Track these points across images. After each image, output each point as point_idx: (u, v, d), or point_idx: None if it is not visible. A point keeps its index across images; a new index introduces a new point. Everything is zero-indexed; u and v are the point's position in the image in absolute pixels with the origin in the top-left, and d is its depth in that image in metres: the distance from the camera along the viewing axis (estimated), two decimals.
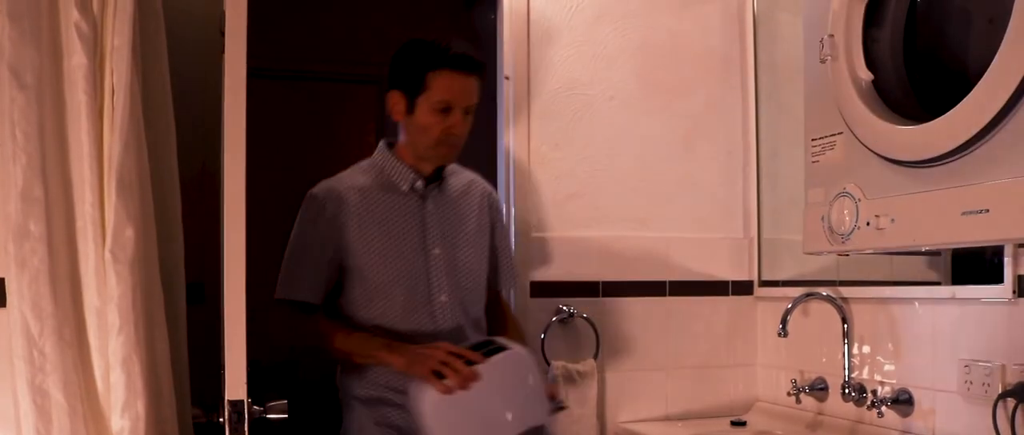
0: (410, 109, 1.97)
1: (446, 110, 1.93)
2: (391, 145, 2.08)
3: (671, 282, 2.58)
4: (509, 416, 1.81)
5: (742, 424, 2.51)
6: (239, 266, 1.72)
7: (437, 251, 2.01)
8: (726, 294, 2.65)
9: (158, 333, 1.79)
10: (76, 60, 1.68)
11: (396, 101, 1.99)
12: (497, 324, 2.16)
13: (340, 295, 2.03)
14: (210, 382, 2.03)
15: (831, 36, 1.82)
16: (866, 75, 1.76)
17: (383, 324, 1.97)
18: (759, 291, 2.65)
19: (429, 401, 1.77)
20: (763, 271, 2.65)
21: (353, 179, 2.05)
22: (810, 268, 2.46)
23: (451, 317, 2.00)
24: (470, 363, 1.79)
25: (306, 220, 2.04)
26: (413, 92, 1.95)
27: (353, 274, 1.99)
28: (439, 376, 1.77)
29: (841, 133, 1.84)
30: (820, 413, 2.37)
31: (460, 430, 1.78)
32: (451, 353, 1.80)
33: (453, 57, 1.92)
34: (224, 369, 1.72)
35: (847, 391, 2.20)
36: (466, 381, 1.76)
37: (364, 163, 2.09)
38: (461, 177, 2.14)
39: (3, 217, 1.68)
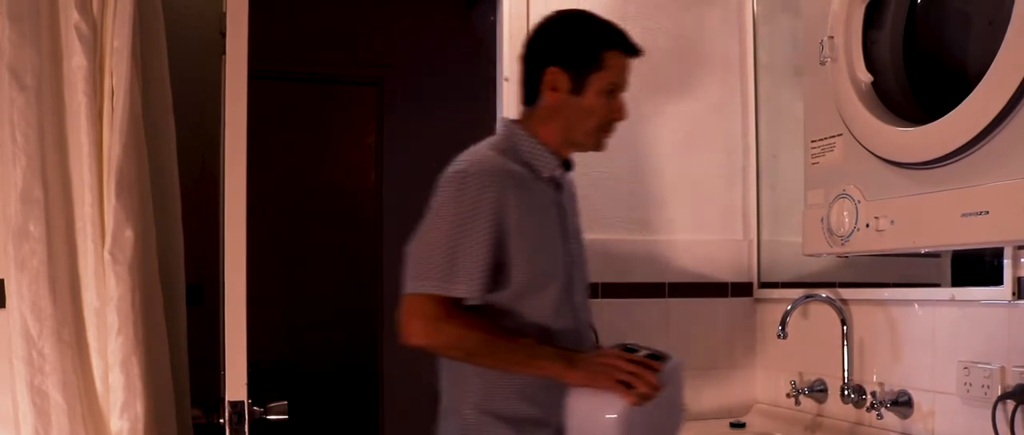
0: (576, 88, 1.75)
1: (612, 93, 1.77)
2: (521, 126, 1.82)
3: (670, 284, 2.58)
4: (676, 425, 1.78)
5: (741, 426, 2.51)
6: (239, 267, 1.72)
7: (572, 245, 1.84)
8: (725, 296, 2.64)
9: (157, 334, 1.79)
10: (76, 61, 1.69)
11: (558, 78, 1.76)
12: None
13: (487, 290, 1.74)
14: (210, 383, 2.04)
15: (831, 38, 1.82)
16: (866, 77, 1.76)
17: (537, 322, 1.73)
18: (758, 293, 2.65)
19: (621, 414, 1.61)
20: (762, 273, 2.65)
21: (499, 159, 1.76)
22: (809, 270, 2.46)
23: (584, 316, 1.85)
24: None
25: (465, 201, 1.69)
26: (583, 69, 1.75)
27: (507, 267, 1.71)
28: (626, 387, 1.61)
29: (841, 135, 1.84)
30: (819, 415, 2.36)
31: None
32: (632, 361, 1.64)
33: (625, 38, 1.78)
34: (224, 370, 1.72)
35: (846, 393, 2.20)
36: (656, 390, 1.62)
37: (495, 141, 1.81)
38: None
39: (3, 218, 1.69)
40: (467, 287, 1.66)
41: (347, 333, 4.62)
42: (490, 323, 1.70)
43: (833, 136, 1.87)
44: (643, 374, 1.61)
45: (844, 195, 1.82)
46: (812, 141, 1.94)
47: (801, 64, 2.05)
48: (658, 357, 1.70)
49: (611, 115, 1.79)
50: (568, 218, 1.84)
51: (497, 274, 1.70)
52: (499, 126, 1.86)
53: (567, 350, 1.68)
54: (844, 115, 1.81)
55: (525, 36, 1.86)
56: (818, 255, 1.97)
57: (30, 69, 1.67)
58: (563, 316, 1.76)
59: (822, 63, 1.85)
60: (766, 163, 2.64)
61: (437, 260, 1.66)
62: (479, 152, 1.76)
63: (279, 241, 4.57)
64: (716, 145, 2.66)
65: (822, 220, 1.88)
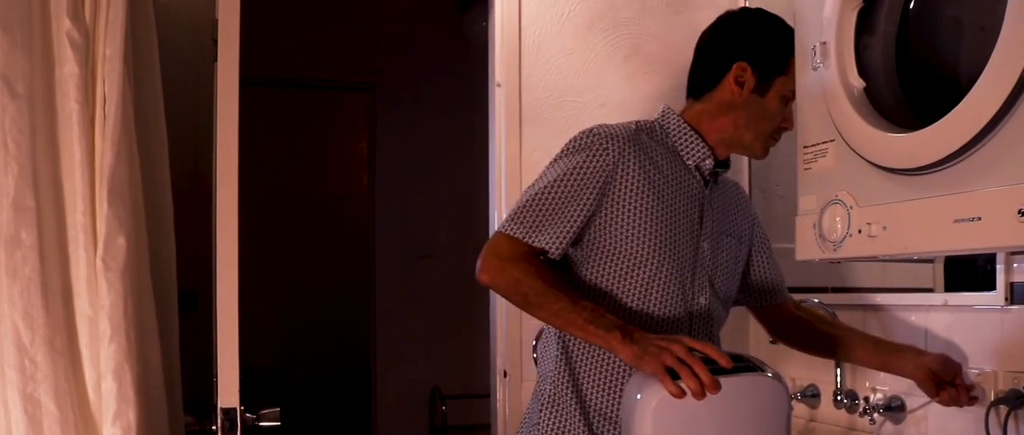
0: (761, 88, 1.76)
1: (787, 100, 1.78)
2: (680, 113, 1.81)
3: None
4: None
5: None
6: (231, 273, 1.72)
7: (705, 246, 1.74)
8: None
9: (150, 341, 1.79)
10: (68, 69, 1.68)
11: (745, 74, 1.75)
12: (860, 335, 1.94)
13: (581, 263, 1.69)
14: (202, 390, 2.03)
15: (823, 43, 1.82)
16: (858, 83, 1.76)
17: (636, 309, 1.66)
18: None
19: (653, 401, 1.44)
20: None
21: (637, 131, 1.72)
22: (802, 275, 2.46)
23: (704, 327, 1.74)
24: (713, 370, 1.46)
25: (579, 158, 1.65)
26: (772, 71, 1.76)
27: (609, 241, 1.66)
28: (673, 376, 1.44)
29: (833, 140, 1.84)
30: (812, 420, 2.37)
31: None
32: (693, 350, 1.46)
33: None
34: (216, 377, 1.71)
35: (839, 398, 2.20)
36: (704, 388, 1.42)
37: (645, 120, 1.79)
38: (725, 175, 1.89)
39: None
40: (553, 241, 1.61)
41: (340, 339, 4.61)
42: (562, 280, 1.62)
43: (825, 142, 1.87)
44: (696, 367, 1.43)
45: (836, 201, 1.82)
46: (804, 147, 1.94)
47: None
48: (747, 365, 1.53)
49: (783, 122, 1.80)
50: (710, 218, 1.76)
51: (592, 245, 1.66)
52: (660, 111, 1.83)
53: (632, 326, 1.53)
54: (836, 121, 1.81)
55: (709, 26, 1.89)
56: (811, 261, 1.97)
57: (22, 77, 1.66)
58: (669, 309, 1.67)
59: (814, 69, 1.85)
60: (758, 169, 2.65)
61: (532, 207, 1.63)
62: (618, 124, 1.73)
63: (271, 247, 4.57)
64: None
65: (814, 226, 1.89)
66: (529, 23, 2.50)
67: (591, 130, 1.69)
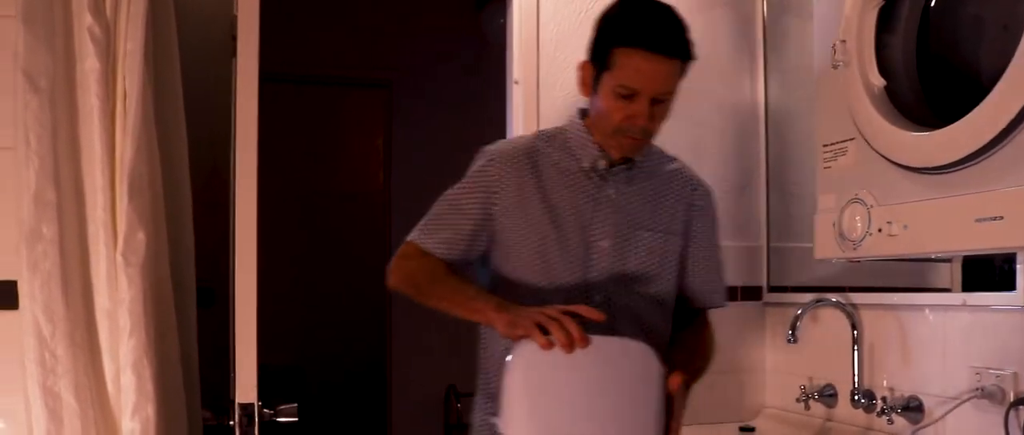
0: (595, 86, 1.66)
1: (629, 96, 1.61)
2: (584, 114, 1.78)
3: None
4: (608, 424, 1.48)
5: (751, 430, 2.50)
6: (250, 270, 1.73)
7: (604, 244, 1.70)
8: (735, 300, 2.63)
9: (168, 336, 1.80)
10: (89, 64, 1.69)
11: (585, 73, 1.69)
12: (684, 345, 1.78)
13: (494, 265, 1.75)
14: (219, 385, 2.04)
15: (843, 42, 1.81)
16: (879, 81, 1.76)
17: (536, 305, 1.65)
18: (768, 297, 2.64)
19: (522, 354, 1.47)
20: (772, 277, 2.64)
21: (533, 142, 1.77)
22: (819, 274, 2.45)
23: (628, 325, 1.69)
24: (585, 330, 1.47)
25: (469, 178, 1.75)
26: (599, 68, 1.64)
27: (503, 247, 1.72)
28: (544, 332, 1.45)
29: (853, 139, 1.84)
30: (829, 420, 2.35)
31: (543, 402, 1.47)
32: (567, 313, 1.47)
33: (649, 34, 1.59)
34: (234, 372, 1.72)
35: (857, 398, 2.19)
36: (574, 341, 1.43)
37: (550, 129, 1.81)
38: (664, 165, 1.82)
39: (15, 220, 1.69)
40: (441, 245, 1.71)
41: (355, 336, 4.61)
42: (455, 273, 1.71)
43: (845, 140, 1.86)
44: (565, 321, 1.44)
45: (856, 200, 1.81)
46: (824, 145, 1.93)
47: (812, 68, 2.05)
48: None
49: (626, 121, 1.63)
50: (612, 215, 1.71)
51: (492, 252, 1.73)
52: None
53: (510, 303, 1.57)
54: (857, 119, 1.80)
55: None
56: (830, 260, 1.96)
57: (44, 72, 1.67)
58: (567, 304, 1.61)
59: (834, 67, 1.85)
60: (775, 167, 2.64)
61: (429, 217, 1.75)
62: (518, 136, 1.79)
63: (287, 244, 4.58)
64: (725, 149, 2.65)
65: (834, 224, 1.88)
66: (547, 21, 2.50)
67: (486, 149, 1.77)
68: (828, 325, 2.36)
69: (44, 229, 1.67)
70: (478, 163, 1.76)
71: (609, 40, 1.62)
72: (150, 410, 1.69)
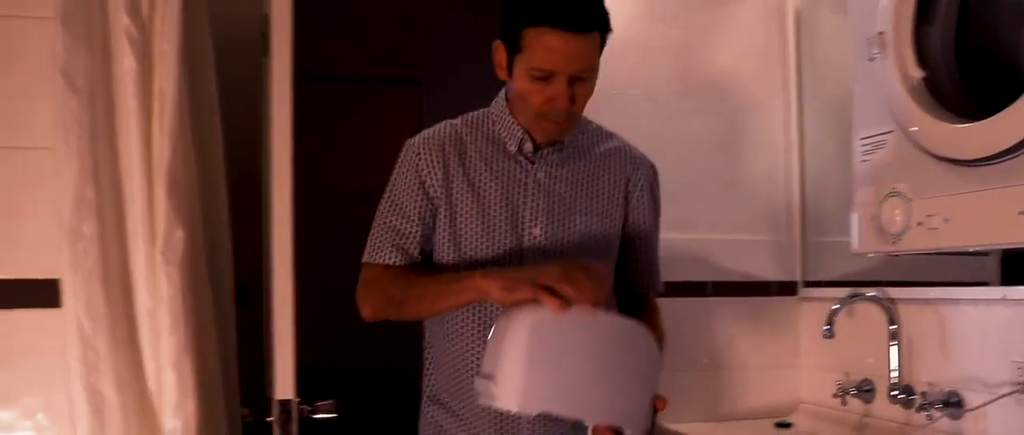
0: (510, 70, 1.57)
1: (546, 78, 1.51)
2: (507, 97, 1.69)
3: (713, 283, 2.56)
4: (607, 397, 1.44)
5: (787, 426, 2.48)
6: (286, 267, 1.74)
7: (537, 232, 1.62)
8: (769, 295, 2.62)
9: (207, 334, 1.81)
10: (127, 64, 1.71)
11: (499, 56, 1.59)
12: None
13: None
14: (254, 383, 2.05)
15: (881, 34, 1.79)
16: (917, 73, 1.74)
17: (448, 317, 1.65)
18: (802, 292, 2.62)
19: (522, 320, 1.38)
20: (807, 272, 2.62)
21: (457, 128, 1.69)
22: (855, 268, 2.43)
23: None
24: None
25: (398, 173, 1.68)
26: (511, 50, 1.54)
27: (439, 245, 1.66)
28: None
29: (891, 132, 1.82)
30: (867, 415, 2.33)
31: (547, 369, 1.38)
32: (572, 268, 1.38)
33: (558, 10, 1.47)
34: (272, 369, 1.73)
35: (895, 393, 2.17)
36: (586, 299, 1.35)
37: (476, 113, 1.72)
38: (600, 144, 1.71)
39: (57, 220, 1.71)
40: (393, 255, 1.63)
41: (388, 334, 4.62)
42: (421, 270, 1.63)
43: (883, 133, 1.84)
44: (577, 276, 1.36)
45: (895, 193, 1.79)
46: (861, 138, 1.91)
47: (846, 61, 2.03)
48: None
49: (545, 103, 1.53)
50: (545, 200, 1.63)
51: (433, 242, 1.65)
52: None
53: (492, 268, 1.50)
54: (895, 112, 1.78)
55: None
56: (869, 254, 1.94)
57: (82, 72, 1.69)
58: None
59: (871, 59, 1.83)
60: (810, 161, 2.62)
61: (373, 231, 1.67)
62: (442, 123, 1.70)
63: (318, 242, 4.59)
64: (758, 143, 2.64)
65: (873, 218, 1.86)
66: None
67: (409, 141, 1.70)
68: (864, 320, 2.34)
69: (84, 228, 1.69)
70: (402, 156, 1.69)
71: (517, 19, 1.51)
72: (191, 407, 1.71)
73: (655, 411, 1.48)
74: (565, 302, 1.34)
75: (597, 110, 2.50)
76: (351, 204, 4.94)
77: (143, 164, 1.72)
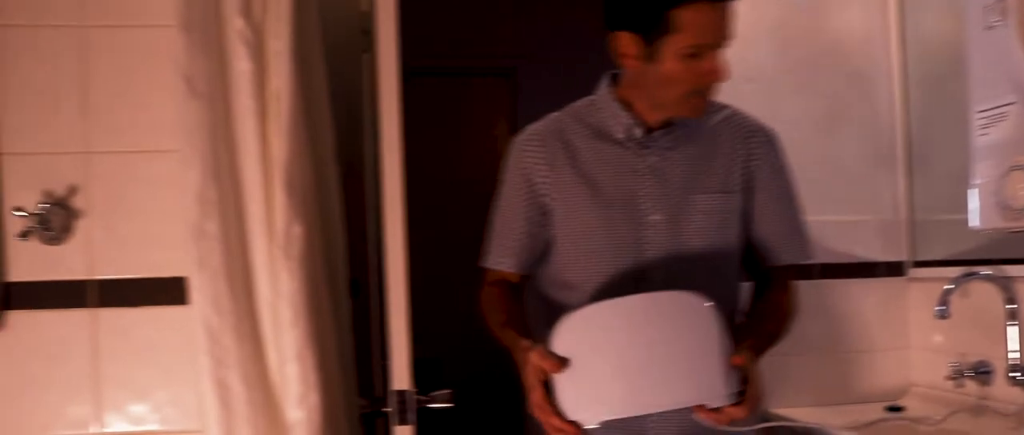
0: (649, 56, 1.51)
1: (697, 55, 1.49)
2: (614, 81, 1.66)
3: (820, 265, 2.52)
4: (660, 382, 1.41)
5: (898, 409, 2.42)
6: (400, 260, 1.76)
7: (656, 218, 1.59)
8: (876, 276, 2.56)
9: (326, 326, 1.85)
10: (242, 66, 1.75)
11: (627, 45, 1.53)
12: (755, 310, 1.68)
13: (551, 257, 1.69)
14: (364, 375, 2.09)
15: (1000, 0, 1.73)
16: None
17: (592, 292, 1.61)
18: (911, 272, 2.56)
19: (560, 335, 1.44)
20: (915, 251, 2.56)
21: (562, 120, 1.68)
22: (964, 247, 2.36)
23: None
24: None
25: (506, 174, 1.70)
26: (652, 34, 1.49)
27: (553, 241, 1.66)
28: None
29: (1013, 103, 1.76)
30: (984, 398, 2.27)
31: (591, 374, 1.41)
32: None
33: None
34: (389, 360, 1.76)
35: (1015, 375, 2.10)
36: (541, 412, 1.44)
37: (580, 103, 1.70)
38: (710, 118, 1.66)
39: (182, 219, 1.77)
40: (505, 260, 1.69)
41: (483, 326, 4.64)
42: (505, 297, 1.67)
43: (1004, 105, 1.78)
44: (532, 380, 1.44)
45: (1019, 167, 1.73)
46: (979, 111, 1.85)
47: (957, 31, 1.97)
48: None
49: (701, 80, 1.51)
50: (661, 185, 1.61)
51: (547, 241, 1.67)
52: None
53: (519, 340, 1.53)
54: (1018, 81, 1.72)
55: None
56: (992, 230, 1.88)
57: (203, 76, 1.74)
58: (618, 288, 1.58)
59: (990, 28, 1.77)
60: (916, 137, 2.55)
61: (490, 234, 1.73)
62: (540, 121, 1.71)
63: (418, 235, 4.63)
64: (862, 121, 2.58)
65: (994, 194, 1.80)
66: None
67: (515, 138, 1.71)
68: (978, 299, 2.27)
69: (208, 226, 1.74)
70: (508, 155, 1.71)
71: (660, 3, 1.47)
72: (314, 399, 1.74)
73: (738, 371, 1.41)
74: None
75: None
76: (445, 195, 4.99)
77: (261, 162, 1.76)
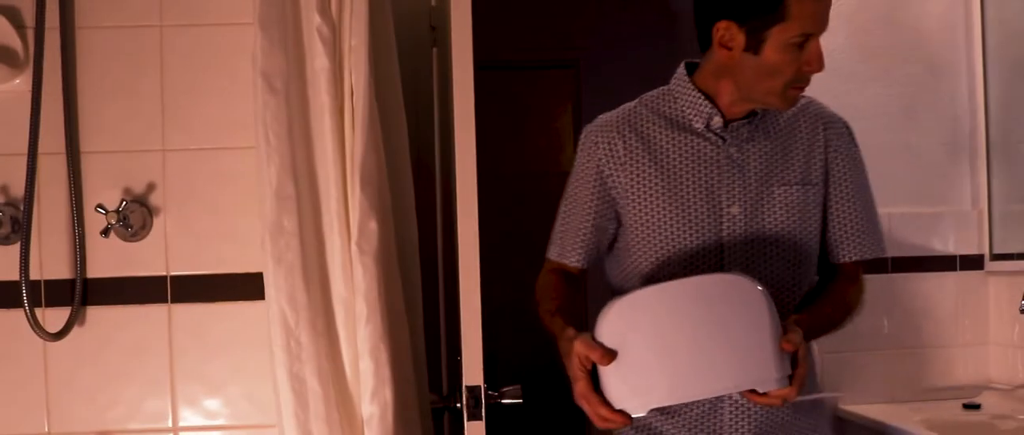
0: (753, 45, 1.49)
1: (802, 44, 1.48)
2: (692, 70, 1.64)
3: (893, 258, 2.46)
4: (708, 367, 1.38)
5: (976, 407, 2.36)
6: (473, 256, 1.75)
7: (735, 210, 1.56)
8: (953, 269, 2.50)
9: (399, 322, 1.85)
10: (319, 63, 1.76)
11: (731, 34, 1.50)
12: (817, 295, 1.63)
13: (623, 251, 1.66)
14: (432, 369, 2.10)
15: None
16: None
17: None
18: (990, 265, 2.49)
19: (605, 323, 1.42)
20: (995, 244, 2.49)
21: (636, 109, 1.65)
22: None
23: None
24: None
25: (576, 163, 1.68)
26: (761, 22, 1.47)
27: (624, 232, 1.64)
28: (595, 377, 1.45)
29: None
30: None
31: (630, 368, 1.39)
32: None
33: None
34: (461, 356, 1.76)
35: None
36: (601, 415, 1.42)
37: (654, 92, 1.67)
38: (804, 108, 1.64)
39: (259, 215, 1.78)
40: (569, 253, 1.67)
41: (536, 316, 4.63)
42: (560, 287, 1.67)
43: None
44: (576, 370, 1.44)
45: None
46: None
47: None
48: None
49: (801, 70, 1.50)
50: (741, 176, 1.57)
51: (618, 240, 1.65)
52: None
53: (565, 330, 1.51)
54: None
55: None
56: None
57: (279, 73, 1.75)
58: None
59: None
60: (996, 126, 2.48)
61: (557, 224, 1.72)
62: (614, 111, 1.68)
63: (483, 228, 4.63)
64: (940, 110, 2.52)
65: None
66: None
67: (586, 128, 1.69)
68: None
69: (285, 222, 1.75)
70: (580, 145, 1.69)
71: None
72: (388, 394, 1.75)
73: (791, 356, 1.39)
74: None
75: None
76: (511, 188, 4.98)
77: (337, 159, 1.77)
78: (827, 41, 2.42)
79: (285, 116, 1.75)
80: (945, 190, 2.52)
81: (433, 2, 2.29)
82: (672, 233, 1.58)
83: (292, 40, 1.77)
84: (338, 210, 1.77)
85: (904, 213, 2.49)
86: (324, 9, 1.75)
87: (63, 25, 1.93)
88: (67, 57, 1.93)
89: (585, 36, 3.98)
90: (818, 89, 2.41)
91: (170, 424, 1.97)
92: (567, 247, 1.68)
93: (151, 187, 1.96)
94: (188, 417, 1.97)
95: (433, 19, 2.28)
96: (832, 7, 2.49)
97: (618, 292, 1.66)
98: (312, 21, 1.75)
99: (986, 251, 2.51)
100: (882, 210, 2.45)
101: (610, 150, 1.62)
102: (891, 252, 2.47)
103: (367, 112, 1.75)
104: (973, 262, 2.51)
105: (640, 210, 1.60)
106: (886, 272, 2.46)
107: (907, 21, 2.51)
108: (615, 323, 1.41)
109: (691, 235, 1.57)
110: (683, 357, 1.38)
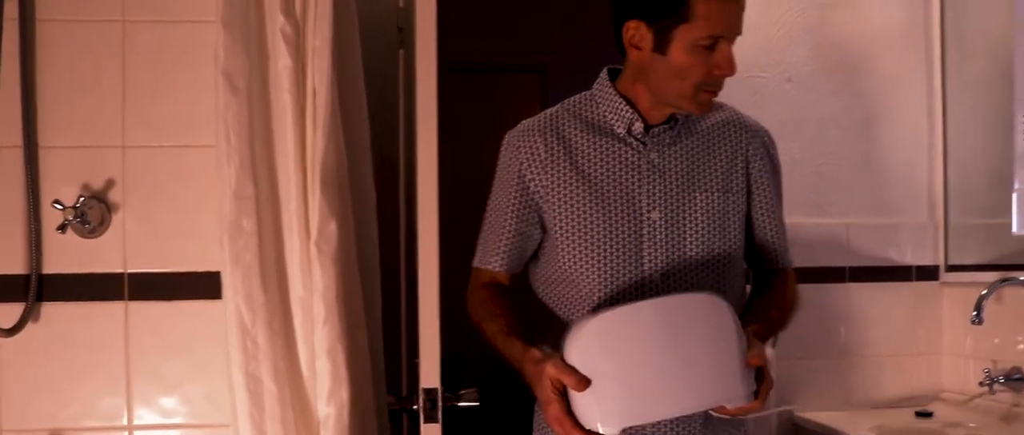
0: (660, 46, 1.49)
1: (712, 46, 1.47)
2: (614, 75, 1.64)
3: (851, 268, 2.50)
4: (679, 385, 1.38)
5: (928, 415, 2.40)
6: (433, 257, 1.76)
7: (655, 216, 1.56)
8: (909, 280, 2.54)
9: (357, 323, 1.85)
10: (281, 63, 1.75)
11: (641, 34, 1.51)
12: (760, 299, 1.64)
13: (543, 257, 1.66)
14: (390, 371, 2.10)
15: None
16: None
17: (588, 292, 1.58)
18: (945, 276, 2.54)
19: (575, 343, 1.41)
20: (950, 255, 2.53)
21: (557, 114, 1.65)
22: (1001, 252, 2.33)
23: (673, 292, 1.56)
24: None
25: (499, 168, 1.69)
26: (666, 22, 1.47)
27: (547, 237, 1.63)
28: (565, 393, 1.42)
29: None
30: (1016, 405, 2.25)
31: (611, 379, 1.38)
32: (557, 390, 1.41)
33: None
34: (418, 358, 1.76)
35: None
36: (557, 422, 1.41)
37: (576, 97, 1.67)
38: (710, 116, 1.63)
39: (218, 215, 1.77)
40: (494, 259, 1.66)
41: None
42: (501, 303, 1.64)
43: None
44: (548, 392, 1.41)
45: None
46: None
47: (1001, 32, 1.94)
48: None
49: (711, 73, 1.48)
50: (661, 181, 1.57)
51: (540, 248, 1.65)
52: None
53: (533, 360, 1.47)
54: None
55: None
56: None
57: (241, 73, 1.74)
58: (619, 286, 1.56)
59: None
60: (954, 141, 2.52)
61: (481, 231, 1.71)
62: (535, 116, 1.67)
63: (444, 231, 4.63)
64: (899, 123, 2.56)
65: None
66: None
67: (507, 134, 1.68)
68: (1013, 305, 2.25)
69: (244, 223, 1.74)
70: (502, 151, 1.68)
71: None
72: (344, 395, 1.75)
73: (756, 371, 1.40)
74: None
75: (732, 92, 2.46)
76: (472, 193, 4.97)
77: (297, 159, 1.77)
78: (789, 54, 2.49)
79: (247, 116, 1.74)
80: (903, 202, 2.56)
81: (401, 4, 2.29)
82: (593, 237, 1.57)
83: (255, 40, 1.76)
84: (298, 210, 1.77)
85: (862, 224, 2.52)
86: (288, 9, 1.75)
87: (22, 17, 1.91)
88: (26, 50, 1.91)
89: (553, 40, 3.99)
90: (780, 102, 2.47)
91: (125, 422, 1.95)
92: (490, 251, 1.67)
93: (110, 183, 1.95)
94: (144, 416, 1.95)
95: (400, 21, 2.28)
96: (795, 20, 2.53)
97: (541, 297, 1.68)
98: (276, 21, 1.75)
99: (941, 262, 2.55)
100: (843, 220, 2.52)
101: (532, 153, 1.62)
102: (850, 262, 2.51)
103: (328, 112, 1.75)
104: (928, 272, 2.56)
105: (562, 213, 1.60)
106: (843, 281, 2.50)
107: (867, 35, 2.54)
108: (587, 345, 1.40)
109: (612, 240, 1.56)
110: (656, 377, 1.38)
